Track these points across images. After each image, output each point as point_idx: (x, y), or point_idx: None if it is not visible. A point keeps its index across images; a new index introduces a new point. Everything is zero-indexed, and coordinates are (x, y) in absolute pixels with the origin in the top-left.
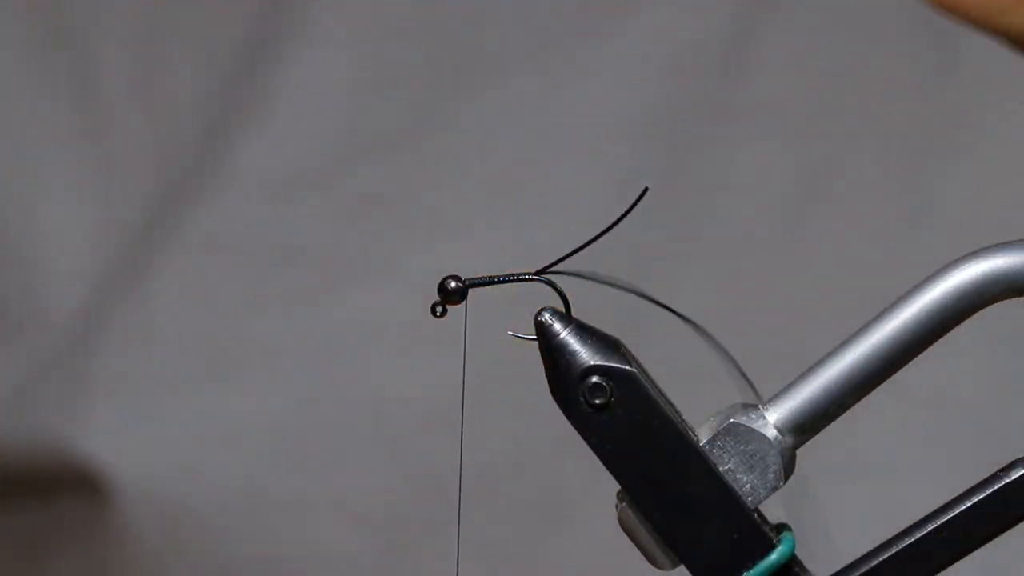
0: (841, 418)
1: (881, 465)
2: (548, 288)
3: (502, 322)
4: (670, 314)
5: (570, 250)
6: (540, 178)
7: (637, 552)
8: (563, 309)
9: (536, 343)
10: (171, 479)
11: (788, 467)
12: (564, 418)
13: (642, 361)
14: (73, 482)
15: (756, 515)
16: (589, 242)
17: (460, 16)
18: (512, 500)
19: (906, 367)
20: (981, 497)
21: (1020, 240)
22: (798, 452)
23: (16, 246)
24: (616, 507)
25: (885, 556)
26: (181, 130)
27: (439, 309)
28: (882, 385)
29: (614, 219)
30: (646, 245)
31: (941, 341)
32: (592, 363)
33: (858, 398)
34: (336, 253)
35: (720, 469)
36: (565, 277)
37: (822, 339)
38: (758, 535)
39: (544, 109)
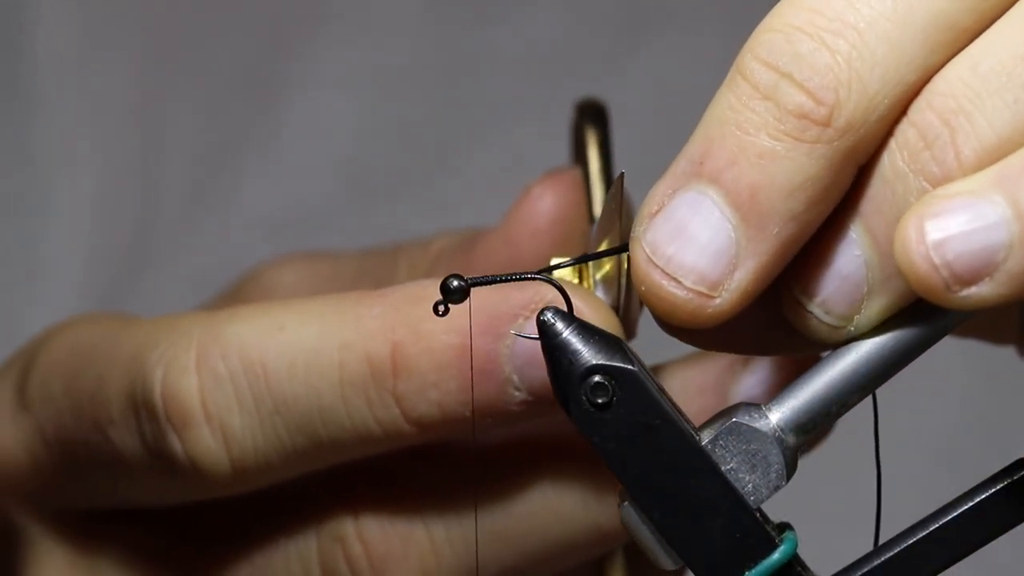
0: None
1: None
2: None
3: None
4: None
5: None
6: None
7: None
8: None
9: (539, 342)
10: None
11: (790, 466)
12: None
13: (645, 361)
14: None
15: (758, 514)
16: (601, 254)
17: (464, 62)
18: None
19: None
20: (982, 497)
21: None
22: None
23: (18, 262)
24: (618, 506)
25: (886, 556)
26: (181, 163)
27: (441, 308)
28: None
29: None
30: None
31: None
32: (594, 362)
33: (860, 397)
34: None
35: (722, 468)
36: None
37: None
38: (760, 534)
39: (548, 154)
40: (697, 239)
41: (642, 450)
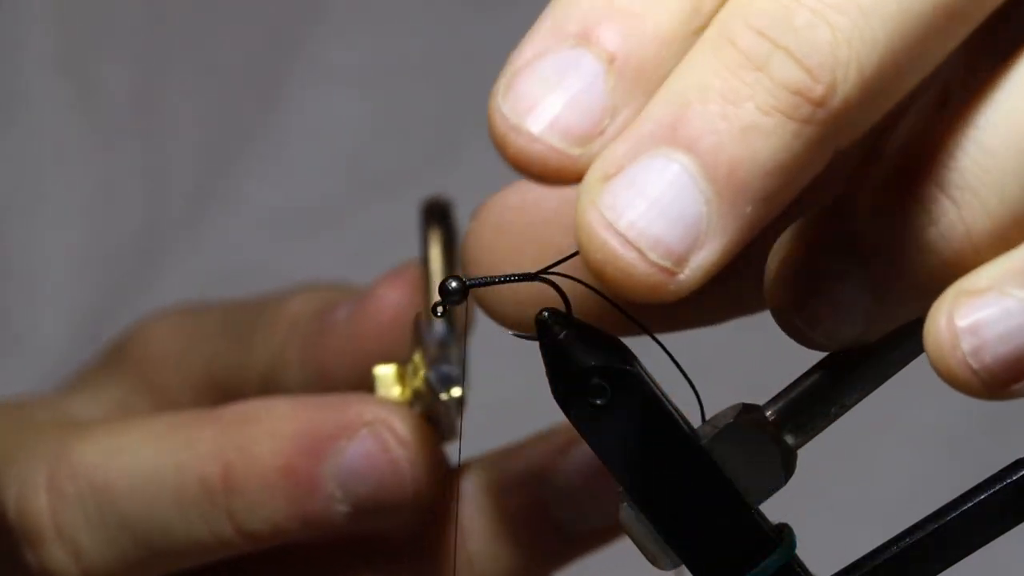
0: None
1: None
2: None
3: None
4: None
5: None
6: None
7: None
8: (564, 309)
9: (537, 343)
10: None
11: (789, 467)
12: None
13: (644, 361)
14: None
15: (757, 515)
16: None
17: (468, 55)
18: None
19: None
20: (982, 497)
21: None
22: (799, 452)
23: (13, 264)
24: (617, 508)
25: (886, 556)
26: (183, 159)
27: (440, 309)
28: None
29: None
30: None
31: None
32: (593, 363)
33: (859, 398)
34: None
35: (721, 469)
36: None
37: None
38: (759, 535)
39: None
40: (666, 210)
41: (641, 451)
